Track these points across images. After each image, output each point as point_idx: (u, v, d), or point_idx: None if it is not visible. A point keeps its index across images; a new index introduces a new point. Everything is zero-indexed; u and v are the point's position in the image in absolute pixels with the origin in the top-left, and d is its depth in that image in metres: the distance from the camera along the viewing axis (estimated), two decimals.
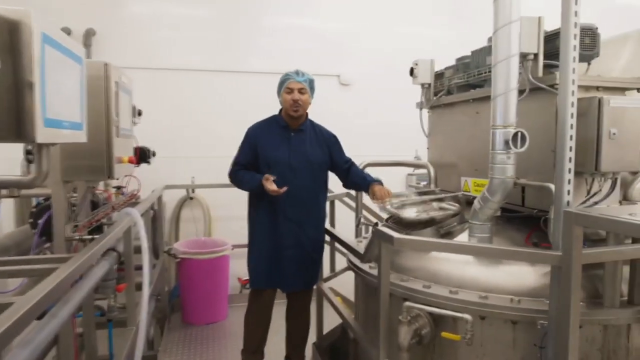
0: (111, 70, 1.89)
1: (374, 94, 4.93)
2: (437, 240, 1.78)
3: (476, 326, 1.70)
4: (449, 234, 2.13)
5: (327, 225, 2.73)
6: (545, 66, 1.92)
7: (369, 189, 2.65)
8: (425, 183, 3.07)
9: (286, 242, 2.65)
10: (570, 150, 1.41)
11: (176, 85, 4.57)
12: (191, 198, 4.61)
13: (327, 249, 3.06)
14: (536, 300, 1.71)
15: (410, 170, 5.09)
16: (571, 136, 1.41)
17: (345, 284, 3.80)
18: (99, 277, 1.88)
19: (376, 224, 2.23)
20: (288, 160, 2.63)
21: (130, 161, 2.18)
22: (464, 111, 2.52)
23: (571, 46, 1.39)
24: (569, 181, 1.42)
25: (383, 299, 1.79)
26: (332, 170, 2.83)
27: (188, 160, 4.68)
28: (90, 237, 2.06)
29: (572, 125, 1.41)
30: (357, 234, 3.22)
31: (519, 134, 1.72)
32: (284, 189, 2.48)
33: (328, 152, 2.76)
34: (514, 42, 1.75)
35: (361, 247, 2.34)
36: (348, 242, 2.20)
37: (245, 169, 2.70)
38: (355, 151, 4.79)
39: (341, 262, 3.52)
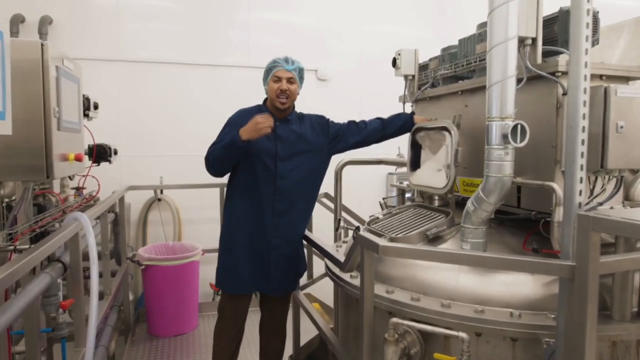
0: (49, 52, 1.61)
1: (353, 90, 4.75)
2: (430, 248, 1.56)
3: (471, 344, 1.50)
4: (437, 239, 1.93)
5: (305, 230, 2.50)
6: (543, 53, 1.74)
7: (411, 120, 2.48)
8: (408, 182, 2.87)
9: (274, 240, 2.40)
10: (583, 144, 1.22)
11: (143, 79, 4.27)
12: (159, 199, 4.31)
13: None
14: (538, 314, 1.52)
15: (391, 169, 4.92)
16: (583, 128, 1.22)
17: (323, 287, 3.59)
18: (36, 293, 1.61)
19: (357, 228, 2.02)
20: (275, 150, 2.38)
21: (77, 159, 1.90)
22: (451, 104, 2.32)
23: (583, 24, 1.21)
24: (582, 180, 1.24)
25: (366, 314, 1.57)
26: (345, 147, 2.58)
27: (156, 159, 4.38)
28: (28, 247, 1.78)
29: (584, 115, 1.22)
30: (336, 238, 3.01)
31: (519, 126, 1.53)
32: (270, 121, 2.19)
33: (325, 136, 2.53)
34: (511, 23, 1.55)
35: (341, 253, 2.12)
36: (326, 248, 1.97)
37: None
38: None
39: (319, 265, 3.30)
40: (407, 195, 2.92)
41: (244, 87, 4.49)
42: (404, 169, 3.47)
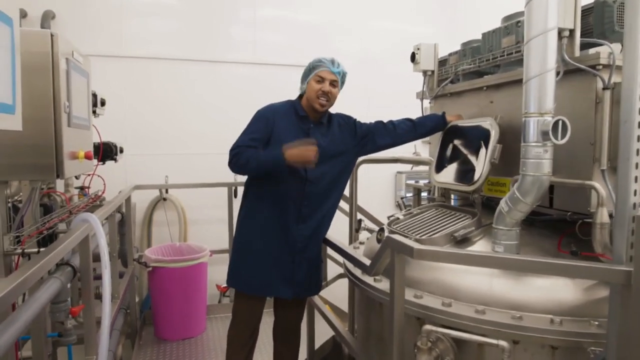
0: (60, 44, 1.51)
1: (359, 87, 4.65)
2: (472, 252, 1.44)
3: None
4: (465, 241, 1.84)
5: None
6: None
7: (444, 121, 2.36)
8: (426, 182, 2.78)
9: (298, 245, 2.30)
10: (638, 140, 1.14)
11: (147, 76, 4.17)
12: (164, 199, 4.22)
13: None
14: (580, 321, 1.43)
15: (401, 168, 4.84)
16: (639, 123, 1.13)
17: (333, 289, 3.50)
18: (46, 300, 1.52)
19: (382, 229, 1.93)
20: None
21: (87, 157, 1.81)
22: (475, 100, 2.24)
23: None
24: (637, 179, 1.15)
25: (397, 321, 1.49)
26: (373, 149, 2.48)
27: (161, 157, 4.28)
28: (36, 250, 1.69)
29: None
30: (352, 239, 2.92)
31: (560, 122, 1.44)
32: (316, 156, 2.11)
33: (352, 137, 2.43)
34: (551, 14, 1.47)
35: (360, 255, 2.03)
36: (349, 251, 1.88)
37: None
38: None
39: (332, 268, 3.21)
40: (423, 194, 2.84)
41: (249, 84, 4.41)
42: (420, 168, 3.40)
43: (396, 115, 4.67)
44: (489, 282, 1.59)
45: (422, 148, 3.21)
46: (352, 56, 4.67)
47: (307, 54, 4.44)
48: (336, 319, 2.45)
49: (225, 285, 3.61)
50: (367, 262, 1.79)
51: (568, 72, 1.65)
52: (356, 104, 4.56)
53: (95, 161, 3.06)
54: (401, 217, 2.23)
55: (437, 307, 1.57)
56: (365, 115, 4.70)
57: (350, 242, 2.84)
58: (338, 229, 2.97)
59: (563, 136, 1.45)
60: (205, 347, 3.27)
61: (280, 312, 2.52)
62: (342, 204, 3.45)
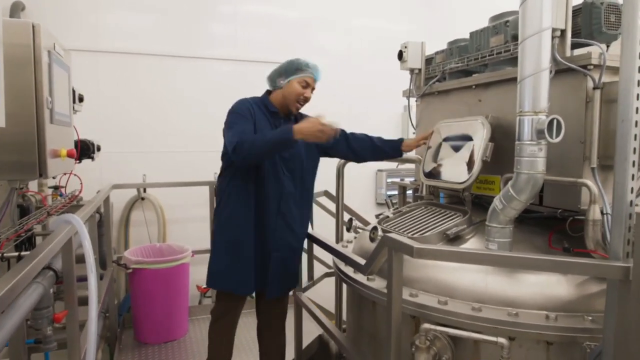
0: (42, 35, 1.43)
1: (340, 84, 4.64)
2: (474, 250, 1.42)
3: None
4: (457, 239, 1.85)
5: (310, 230, 2.38)
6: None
7: (401, 146, 2.44)
8: (412, 180, 2.80)
9: (276, 242, 2.32)
10: (636, 138, 1.16)
11: (124, 71, 4.04)
12: (142, 198, 4.10)
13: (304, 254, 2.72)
14: (574, 316, 1.46)
15: (380, 166, 4.86)
16: (637, 122, 1.16)
17: (316, 289, 3.48)
18: (29, 308, 1.44)
19: (374, 228, 1.92)
20: None
21: (69, 155, 1.73)
22: (463, 99, 2.25)
23: (637, 12, 1.14)
24: (633, 176, 1.17)
25: (395, 320, 1.48)
26: (328, 153, 2.51)
27: (139, 155, 4.15)
28: (16, 254, 1.60)
29: (638, 109, 1.16)
30: (338, 238, 2.91)
31: (555, 121, 1.46)
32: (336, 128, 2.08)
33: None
34: (546, 14, 1.49)
35: (353, 255, 2.02)
36: (341, 250, 1.86)
37: None
38: None
39: (318, 267, 3.19)
40: (408, 192, 2.85)
41: (230, 80, 4.33)
42: (402, 166, 3.42)
43: (378, 112, 4.68)
44: (484, 280, 1.60)
45: None
46: (335, 53, 4.66)
47: (290, 51, 4.43)
48: (325, 317, 2.43)
49: (204, 286, 3.55)
50: (361, 261, 1.78)
51: (559, 72, 1.68)
52: (337, 100, 4.57)
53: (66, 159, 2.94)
54: (390, 215, 2.23)
55: (433, 306, 1.58)
56: (348, 112, 4.72)
57: (337, 241, 2.83)
58: (323, 228, 2.97)
59: (557, 135, 1.47)
60: (189, 350, 3.19)
61: (263, 310, 2.53)
62: (328, 203, 3.45)
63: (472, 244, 1.82)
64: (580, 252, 1.55)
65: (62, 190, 3.10)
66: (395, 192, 2.99)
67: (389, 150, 2.48)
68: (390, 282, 1.48)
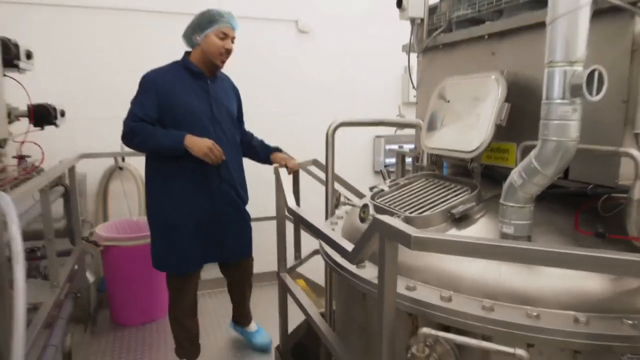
0: None
1: (341, 45, 4.24)
2: (490, 242, 1.05)
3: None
4: (464, 219, 1.55)
5: (294, 205, 2.08)
6: None
7: (270, 157, 2.50)
8: (411, 147, 2.48)
9: (224, 207, 2.34)
10: None
11: (93, 29, 3.65)
12: (121, 168, 3.79)
13: (290, 229, 2.44)
14: (609, 319, 1.18)
15: (379, 131, 4.52)
16: None
17: (308, 262, 3.24)
18: None
19: (366, 206, 1.62)
20: (211, 111, 2.25)
21: None
22: (473, 52, 1.91)
23: None
24: None
25: (387, 323, 1.20)
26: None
27: (115, 121, 3.79)
28: None
29: None
30: (328, 214, 2.61)
31: (596, 73, 1.13)
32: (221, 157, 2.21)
33: (236, 104, 2.51)
34: None
35: (337, 233, 1.74)
36: (327, 232, 1.57)
37: None
38: (316, 109, 4.17)
39: (307, 243, 2.91)
40: (408, 161, 2.54)
41: None
42: (404, 132, 3.08)
43: (374, 78, 4.29)
44: (497, 270, 1.31)
45: (406, 110, 2.88)
46: (334, 10, 4.24)
47: (284, 6, 4.02)
48: (312, 304, 2.17)
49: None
50: (349, 246, 1.48)
51: (596, 13, 1.33)
52: (333, 64, 4.20)
53: (26, 126, 2.62)
54: (386, 188, 1.93)
55: (435, 303, 1.29)
56: (341, 77, 4.33)
57: (327, 217, 2.54)
58: (315, 199, 2.68)
59: (599, 91, 1.15)
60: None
61: (229, 274, 2.63)
62: (318, 172, 3.14)
63: (482, 226, 1.52)
64: (618, 238, 1.25)
65: (22, 160, 2.80)
66: (394, 160, 2.68)
67: (261, 154, 2.55)
68: (382, 277, 1.19)
